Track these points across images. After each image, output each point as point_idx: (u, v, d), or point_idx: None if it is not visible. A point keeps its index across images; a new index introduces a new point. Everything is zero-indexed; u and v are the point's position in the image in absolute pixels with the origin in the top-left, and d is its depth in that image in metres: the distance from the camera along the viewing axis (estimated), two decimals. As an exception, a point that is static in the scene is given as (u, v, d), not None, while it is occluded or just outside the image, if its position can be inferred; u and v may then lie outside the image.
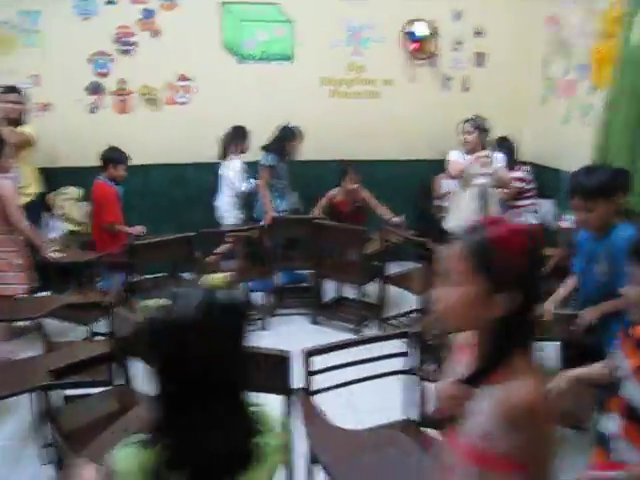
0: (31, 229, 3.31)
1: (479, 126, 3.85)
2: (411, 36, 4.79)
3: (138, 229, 3.95)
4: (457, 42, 4.92)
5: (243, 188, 4.29)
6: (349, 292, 4.21)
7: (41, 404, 2.09)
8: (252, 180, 4.30)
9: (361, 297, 3.96)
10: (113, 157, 3.89)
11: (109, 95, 4.48)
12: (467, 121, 3.86)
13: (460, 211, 3.81)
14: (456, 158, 3.87)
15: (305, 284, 4.35)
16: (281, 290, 4.31)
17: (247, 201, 4.40)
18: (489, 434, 1.02)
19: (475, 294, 1.03)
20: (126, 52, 4.43)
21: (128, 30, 4.39)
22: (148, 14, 4.39)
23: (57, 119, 4.29)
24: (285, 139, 4.23)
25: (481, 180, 3.78)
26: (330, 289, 4.27)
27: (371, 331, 3.86)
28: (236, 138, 4.32)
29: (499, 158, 3.86)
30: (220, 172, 4.31)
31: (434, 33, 4.84)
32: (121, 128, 4.42)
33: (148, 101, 4.55)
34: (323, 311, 4.15)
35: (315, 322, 4.05)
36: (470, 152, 3.80)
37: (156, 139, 4.21)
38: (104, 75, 4.44)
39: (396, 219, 4.19)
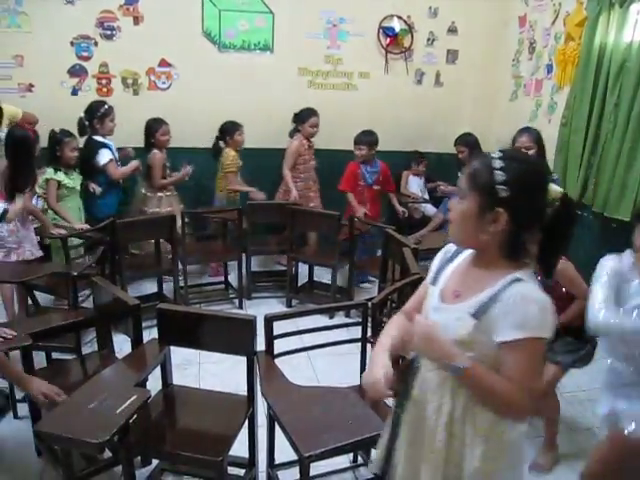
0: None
1: None
2: (387, 31, 4.96)
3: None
4: (431, 38, 5.10)
5: None
6: (322, 276, 4.38)
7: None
8: None
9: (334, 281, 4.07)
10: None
11: (91, 78, 4.57)
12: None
13: None
14: None
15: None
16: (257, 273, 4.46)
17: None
18: None
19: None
20: (109, 37, 4.52)
21: (111, 15, 4.49)
22: (131, 0, 4.49)
23: (39, 100, 4.37)
24: None
25: None
26: (304, 273, 4.43)
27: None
28: None
29: None
30: None
31: (410, 28, 5.01)
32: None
33: (129, 85, 4.66)
34: (297, 294, 4.30)
35: (289, 305, 4.18)
36: None
37: (136, 123, 4.31)
38: (86, 59, 4.53)
39: None
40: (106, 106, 4.03)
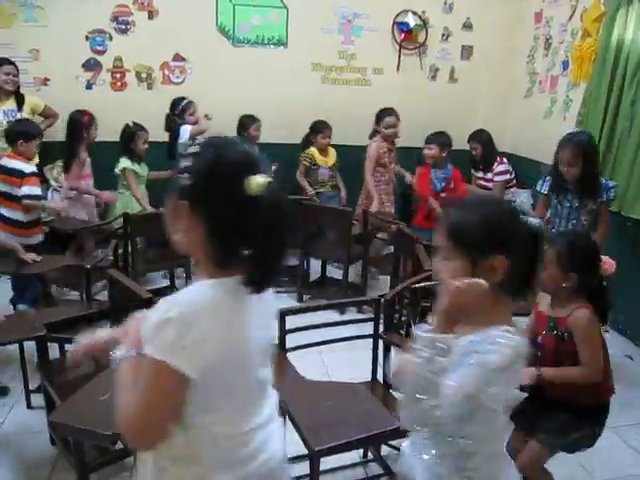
0: None
1: None
2: (401, 26, 4.93)
3: None
4: (446, 34, 5.07)
5: None
6: (333, 272, 4.38)
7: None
8: None
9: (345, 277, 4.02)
10: None
11: (105, 72, 4.60)
12: None
13: None
14: None
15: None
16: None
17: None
18: None
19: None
20: (123, 31, 4.55)
21: (125, 10, 4.51)
22: (145, -5, 4.51)
23: (54, 94, 4.41)
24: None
25: None
26: (316, 269, 4.42)
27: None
28: None
29: None
30: None
31: (424, 24, 4.98)
32: (116, 105, 4.55)
33: (143, 80, 4.69)
34: (309, 290, 4.28)
35: (301, 300, 4.14)
36: None
37: (150, 117, 4.32)
38: (101, 53, 4.57)
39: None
40: (185, 101, 4.29)
